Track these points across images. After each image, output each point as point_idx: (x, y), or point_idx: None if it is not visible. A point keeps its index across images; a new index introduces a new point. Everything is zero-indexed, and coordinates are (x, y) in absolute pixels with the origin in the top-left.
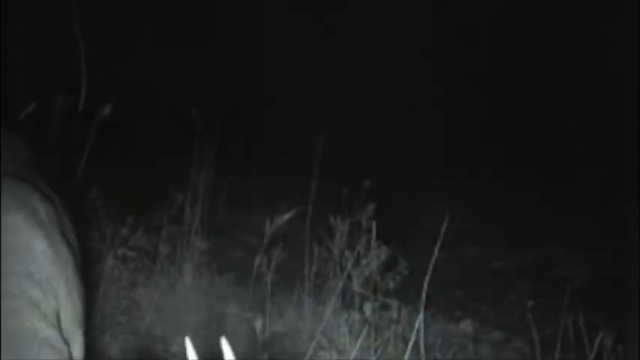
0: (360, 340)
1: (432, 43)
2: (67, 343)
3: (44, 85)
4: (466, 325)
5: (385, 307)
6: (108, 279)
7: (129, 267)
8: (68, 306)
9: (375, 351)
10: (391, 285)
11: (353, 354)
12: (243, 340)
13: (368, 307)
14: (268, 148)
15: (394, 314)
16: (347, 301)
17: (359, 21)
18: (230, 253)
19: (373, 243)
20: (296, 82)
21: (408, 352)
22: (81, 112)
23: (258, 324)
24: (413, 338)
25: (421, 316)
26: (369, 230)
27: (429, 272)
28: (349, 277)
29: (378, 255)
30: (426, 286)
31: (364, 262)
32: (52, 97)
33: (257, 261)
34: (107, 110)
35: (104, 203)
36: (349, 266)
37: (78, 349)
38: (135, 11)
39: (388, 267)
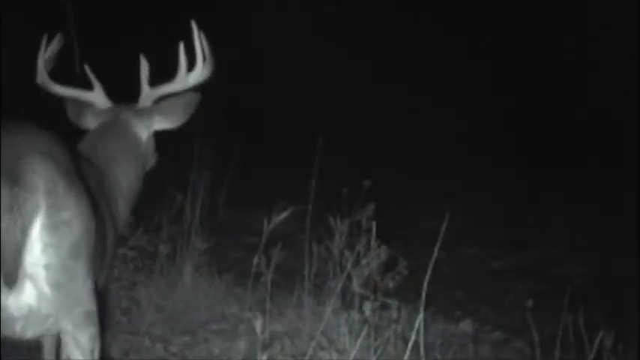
0: (360, 340)
1: (432, 43)
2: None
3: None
4: (466, 325)
5: (385, 307)
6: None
7: (129, 267)
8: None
9: (375, 351)
10: (391, 285)
11: (353, 354)
12: (244, 339)
13: (368, 307)
14: (268, 148)
15: (394, 314)
16: (347, 301)
17: (360, 21)
18: (230, 253)
19: (373, 243)
20: (296, 83)
21: (408, 352)
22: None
23: (258, 324)
24: (413, 338)
25: (421, 316)
26: (369, 230)
27: (429, 272)
28: (349, 277)
29: (378, 255)
30: (426, 286)
31: (364, 262)
32: (49, 97)
33: (256, 260)
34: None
35: None
36: (349, 266)
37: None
38: (134, 11)
39: (388, 267)
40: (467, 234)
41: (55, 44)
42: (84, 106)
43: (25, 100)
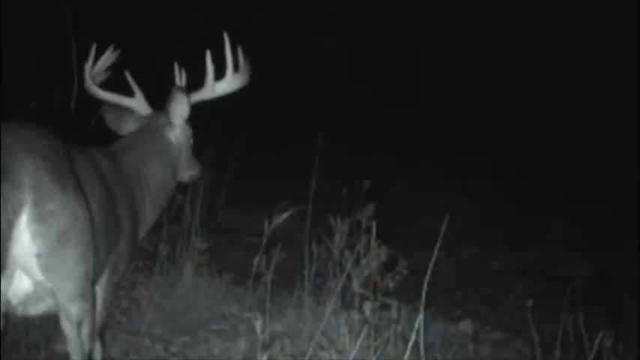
0: (360, 340)
1: (433, 43)
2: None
3: (41, 86)
4: (466, 325)
5: (385, 307)
6: None
7: (129, 267)
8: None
9: (375, 351)
10: (391, 285)
11: (353, 354)
12: (244, 339)
13: (368, 307)
14: (268, 148)
15: (394, 314)
16: (347, 301)
17: (360, 21)
18: (230, 253)
19: (373, 243)
20: (296, 83)
21: (408, 352)
22: (77, 111)
23: (258, 324)
24: (413, 338)
25: (421, 316)
26: (369, 230)
27: (429, 272)
28: (349, 277)
29: (378, 255)
30: (426, 286)
31: (364, 262)
32: (49, 97)
33: (256, 261)
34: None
35: None
36: (349, 266)
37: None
38: (132, 10)
39: (388, 267)
40: (467, 234)
41: (109, 55)
42: (125, 112)
43: (23, 99)
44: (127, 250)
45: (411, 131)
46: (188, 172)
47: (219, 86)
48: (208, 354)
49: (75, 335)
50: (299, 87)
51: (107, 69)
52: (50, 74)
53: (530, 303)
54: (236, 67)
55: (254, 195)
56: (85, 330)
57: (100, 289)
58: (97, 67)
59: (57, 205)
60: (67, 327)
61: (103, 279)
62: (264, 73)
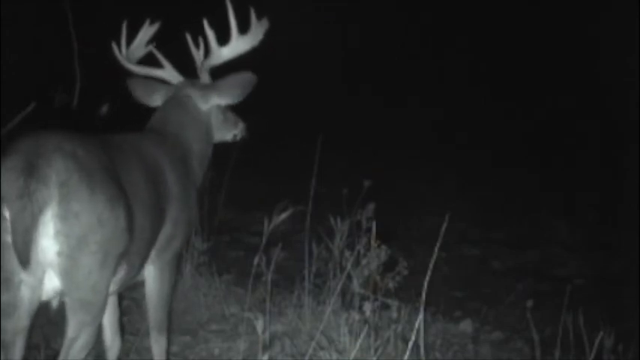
0: (360, 340)
1: (432, 43)
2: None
3: (42, 85)
4: (466, 325)
5: (385, 307)
6: None
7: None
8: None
9: (375, 351)
10: (391, 285)
11: (353, 354)
12: (244, 339)
13: (368, 307)
14: (268, 148)
15: (394, 314)
16: (347, 301)
17: (360, 20)
18: (230, 253)
19: (373, 243)
20: (296, 83)
21: (408, 352)
22: (79, 110)
23: (259, 324)
24: (413, 338)
25: (421, 316)
26: (369, 230)
27: (429, 272)
28: (349, 277)
29: (378, 255)
30: (426, 286)
31: (364, 262)
32: (50, 97)
33: (256, 260)
34: (104, 109)
35: None
36: (349, 266)
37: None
38: (131, 10)
39: (388, 267)
40: (467, 234)
41: (147, 29)
42: (156, 83)
43: (23, 99)
44: (180, 223)
45: (411, 131)
46: (229, 133)
47: (225, 51)
48: (208, 354)
49: (66, 347)
50: (299, 87)
51: (148, 42)
52: (51, 73)
53: (530, 303)
54: (244, 30)
55: (254, 195)
56: (79, 344)
57: (152, 268)
58: (135, 43)
59: (82, 207)
60: (64, 338)
61: (155, 259)
62: (263, 73)
